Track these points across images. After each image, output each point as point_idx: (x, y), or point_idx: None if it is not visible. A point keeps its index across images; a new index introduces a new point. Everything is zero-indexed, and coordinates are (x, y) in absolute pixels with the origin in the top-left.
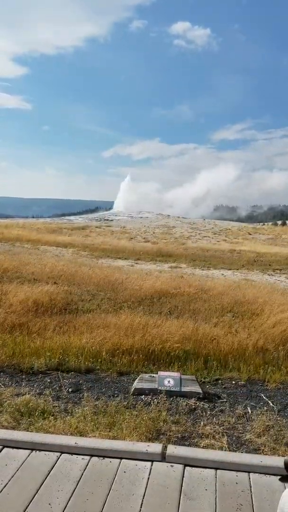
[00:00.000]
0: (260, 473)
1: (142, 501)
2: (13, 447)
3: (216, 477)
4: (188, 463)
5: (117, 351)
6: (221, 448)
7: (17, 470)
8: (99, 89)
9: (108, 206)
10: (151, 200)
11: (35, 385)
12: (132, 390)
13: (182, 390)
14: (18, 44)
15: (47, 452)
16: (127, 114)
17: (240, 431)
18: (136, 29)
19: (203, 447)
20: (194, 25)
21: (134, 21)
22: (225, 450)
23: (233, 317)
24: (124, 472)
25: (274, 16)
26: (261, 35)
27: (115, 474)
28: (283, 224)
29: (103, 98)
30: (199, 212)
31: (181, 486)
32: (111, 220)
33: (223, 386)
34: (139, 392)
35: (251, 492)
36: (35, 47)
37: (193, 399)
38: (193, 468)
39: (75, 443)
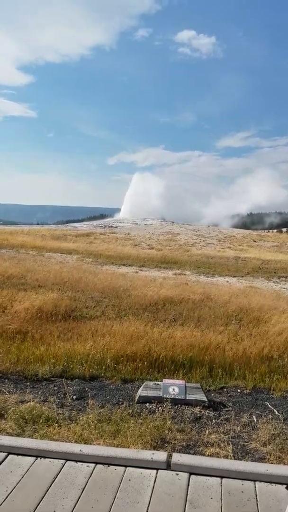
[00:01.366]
0: (266, 481)
1: (147, 509)
2: (18, 454)
3: (221, 485)
4: (193, 471)
5: (122, 358)
6: (226, 457)
7: (22, 477)
8: (104, 97)
9: (112, 212)
10: (183, 211)
11: (39, 392)
12: (137, 397)
13: (187, 398)
14: (24, 53)
15: (52, 459)
16: (131, 121)
17: (246, 439)
18: (141, 38)
19: (208, 456)
20: (199, 33)
21: (140, 30)
22: (230, 459)
23: (238, 324)
24: (129, 480)
25: (279, 24)
26: (266, 43)
27: (120, 482)
28: None
29: (107, 106)
30: (229, 221)
31: (187, 494)
32: (116, 226)
33: (228, 394)
34: (144, 400)
35: (256, 501)
36: (41, 55)
37: (198, 407)
38: (199, 476)
39: (80, 450)
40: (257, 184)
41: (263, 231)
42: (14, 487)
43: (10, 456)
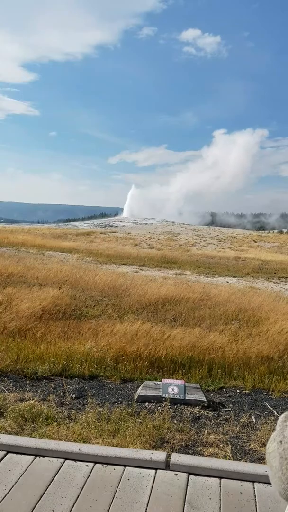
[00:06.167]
0: (265, 482)
1: (146, 509)
2: (16, 453)
3: (220, 486)
4: (192, 471)
5: (122, 357)
6: (225, 457)
7: (21, 476)
8: (106, 95)
9: (113, 212)
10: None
11: (39, 391)
12: (136, 397)
13: (186, 398)
14: (28, 51)
15: (51, 458)
16: (134, 120)
17: (245, 440)
18: (145, 36)
19: (207, 456)
20: (204, 32)
21: (144, 28)
22: (229, 459)
23: (238, 324)
24: (128, 479)
25: (284, 25)
26: (270, 43)
27: (119, 482)
28: None
29: (110, 104)
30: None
31: (185, 494)
32: (116, 226)
33: (228, 395)
34: (143, 399)
35: (255, 502)
36: (45, 54)
37: (197, 407)
38: (197, 476)
39: (79, 449)
40: None
41: (263, 231)
42: (13, 486)
43: (9, 455)
